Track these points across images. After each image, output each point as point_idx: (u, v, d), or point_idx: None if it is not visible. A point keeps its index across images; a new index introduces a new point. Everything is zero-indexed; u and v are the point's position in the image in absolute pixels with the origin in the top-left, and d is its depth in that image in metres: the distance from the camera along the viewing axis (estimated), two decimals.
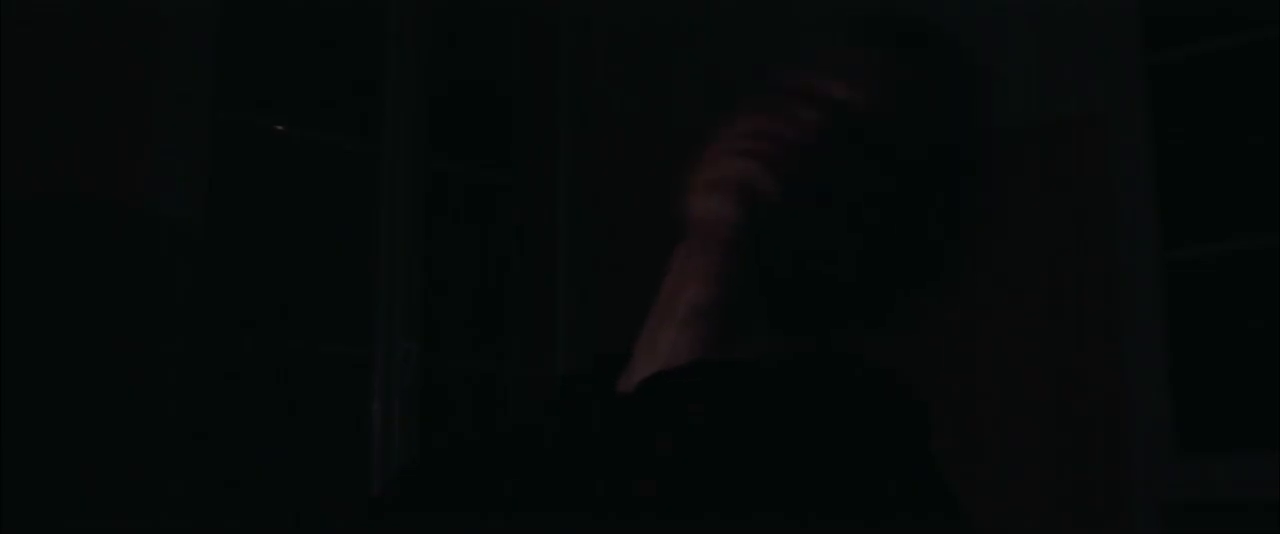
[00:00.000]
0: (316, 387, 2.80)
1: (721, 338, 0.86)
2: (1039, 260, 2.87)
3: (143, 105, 2.40)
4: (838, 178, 0.84)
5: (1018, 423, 2.84)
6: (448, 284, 3.12)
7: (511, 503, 0.82)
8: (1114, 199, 2.78)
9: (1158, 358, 2.68)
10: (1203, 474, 2.61)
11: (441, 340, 3.05)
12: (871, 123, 0.86)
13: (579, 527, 0.76)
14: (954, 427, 2.92)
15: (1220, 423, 2.66)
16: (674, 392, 0.82)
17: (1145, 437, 2.67)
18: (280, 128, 2.82)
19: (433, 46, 3.07)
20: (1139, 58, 2.81)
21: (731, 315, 0.86)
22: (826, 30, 0.94)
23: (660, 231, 0.93)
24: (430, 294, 3.01)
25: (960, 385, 2.93)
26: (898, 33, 0.92)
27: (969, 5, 3.05)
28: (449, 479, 0.89)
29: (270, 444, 2.65)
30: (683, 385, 0.82)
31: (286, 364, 2.74)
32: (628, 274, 3.05)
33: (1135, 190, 2.76)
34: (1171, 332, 2.70)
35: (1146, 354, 2.69)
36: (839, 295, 0.88)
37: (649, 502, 0.74)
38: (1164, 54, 2.82)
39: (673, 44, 3.42)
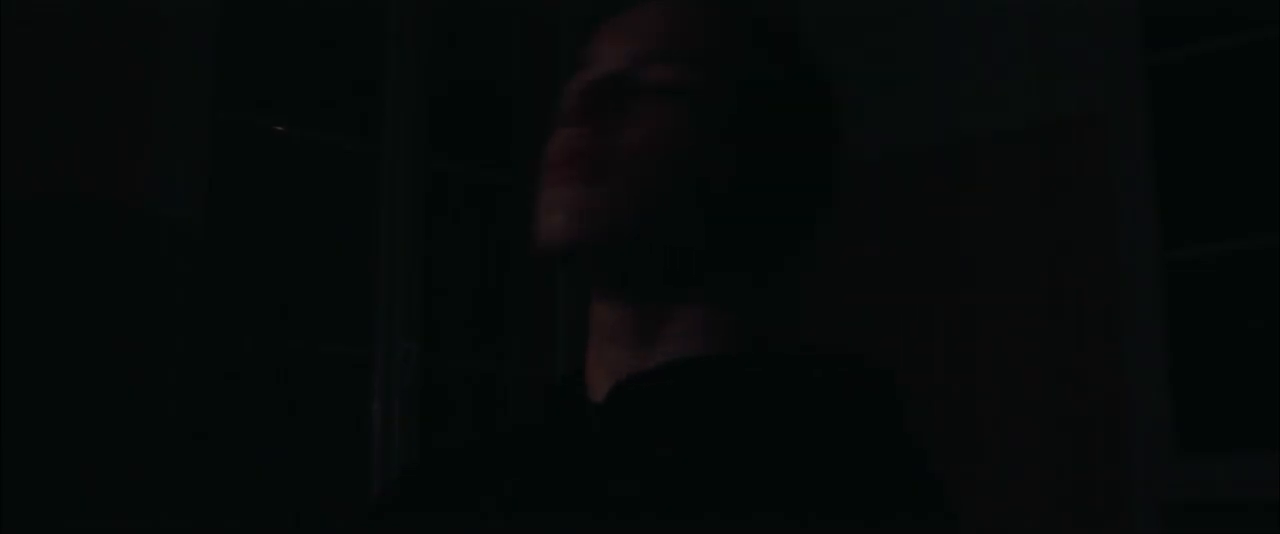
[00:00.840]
0: (316, 387, 2.80)
1: (652, 338, 0.85)
2: (1039, 260, 2.87)
3: (143, 105, 2.40)
4: (647, 147, 0.81)
5: (1018, 423, 2.84)
6: (448, 284, 3.12)
7: (510, 503, 0.82)
8: (1114, 199, 2.78)
9: (1158, 358, 2.68)
10: (1203, 474, 2.61)
11: (441, 340, 3.05)
12: (654, 75, 0.82)
13: (577, 527, 0.76)
14: (954, 427, 2.92)
15: (1220, 423, 2.66)
16: (655, 396, 0.82)
17: (1145, 437, 2.67)
18: (280, 128, 2.82)
19: (433, 46, 3.07)
20: (1139, 58, 2.81)
21: (642, 317, 0.85)
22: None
23: None
24: (430, 294, 3.00)
25: (960, 385, 2.93)
26: None
27: (970, 5, 3.05)
28: (448, 479, 0.89)
29: (270, 444, 2.64)
30: (663, 389, 0.82)
31: (286, 364, 2.74)
32: None
33: (1135, 190, 2.76)
34: (1171, 332, 2.70)
35: (1146, 354, 2.69)
36: (705, 257, 0.84)
37: (644, 502, 0.75)
38: (1164, 54, 2.82)
39: None
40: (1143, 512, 2.65)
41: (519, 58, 3.32)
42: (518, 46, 3.32)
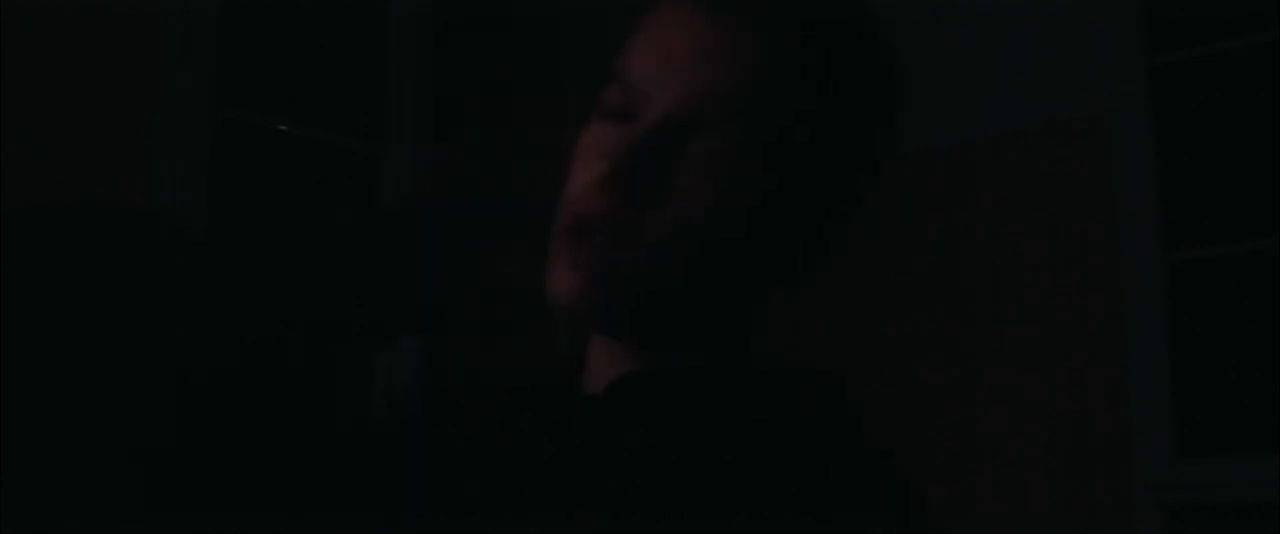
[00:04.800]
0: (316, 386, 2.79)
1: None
2: (1041, 262, 2.87)
3: (143, 105, 2.39)
4: (682, 229, 0.75)
5: (1018, 424, 2.83)
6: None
7: (495, 491, 0.82)
8: (1116, 201, 2.78)
9: (1160, 360, 2.68)
10: (1204, 477, 2.61)
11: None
12: (701, 149, 0.74)
13: (554, 526, 0.76)
14: (954, 427, 2.91)
15: (1221, 426, 2.66)
16: (644, 390, 0.82)
17: (1146, 439, 2.67)
18: (282, 127, 2.82)
19: (433, 46, 3.07)
20: (1142, 59, 2.80)
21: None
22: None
23: None
24: None
25: (961, 386, 2.92)
26: None
27: (973, 8, 3.05)
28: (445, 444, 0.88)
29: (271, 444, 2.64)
30: (653, 386, 0.82)
31: (287, 363, 2.73)
32: None
33: (1137, 192, 2.75)
34: (1173, 334, 2.70)
35: (1148, 356, 2.69)
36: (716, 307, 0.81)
37: (621, 498, 0.75)
38: (1167, 56, 2.81)
39: None
40: (1144, 514, 2.64)
41: (520, 57, 3.32)
42: (519, 46, 3.32)
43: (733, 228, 0.76)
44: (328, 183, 2.91)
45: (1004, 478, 2.82)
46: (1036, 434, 2.80)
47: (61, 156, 2.27)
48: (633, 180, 0.75)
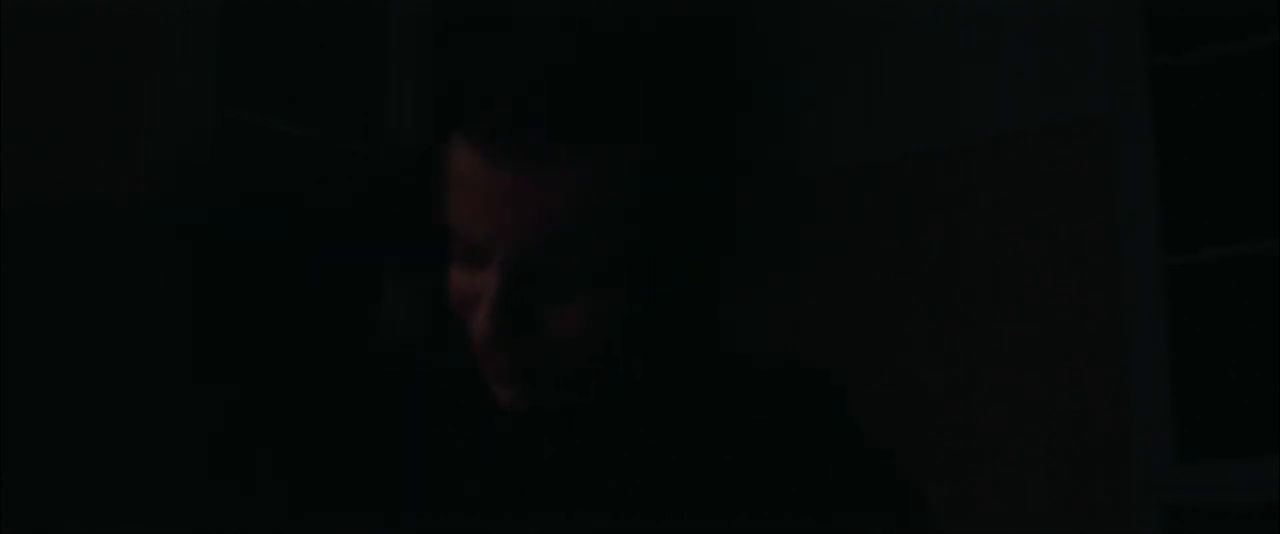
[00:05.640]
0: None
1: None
2: (1041, 263, 2.87)
3: (144, 104, 2.40)
4: (576, 338, 0.78)
5: (1018, 424, 2.83)
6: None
7: (499, 499, 0.83)
8: (1117, 203, 2.78)
9: (1160, 362, 2.68)
10: (1204, 478, 2.61)
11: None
12: (565, 272, 0.76)
13: (567, 526, 0.78)
14: (955, 428, 2.91)
15: (1222, 427, 2.66)
16: (641, 392, 0.84)
17: (1147, 440, 2.67)
18: (282, 127, 2.82)
19: (432, 46, 3.07)
20: (1142, 60, 2.80)
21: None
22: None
23: None
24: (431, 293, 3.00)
25: (961, 387, 2.92)
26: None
27: (973, 9, 3.05)
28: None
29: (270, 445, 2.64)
30: (649, 388, 0.84)
31: (287, 365, 2.74)
32: None
33: (1138, 194, 2.75)
34: (1173, 336, 2.70)
35: (1149, 358, 2.69)
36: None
37: (624, 499, 0.76)
38: (1167, 56, 2.81)
39: None
40: (1144, 514, 2.64)
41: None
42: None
43: (621, 309, 0.78)
44: (328, 183, 2.91)
45: (1004, 478, 2.82)
46: (1036, 434, 2.80)
47: (61, 156, 2.27)
48: (509, 336, 0.77)
